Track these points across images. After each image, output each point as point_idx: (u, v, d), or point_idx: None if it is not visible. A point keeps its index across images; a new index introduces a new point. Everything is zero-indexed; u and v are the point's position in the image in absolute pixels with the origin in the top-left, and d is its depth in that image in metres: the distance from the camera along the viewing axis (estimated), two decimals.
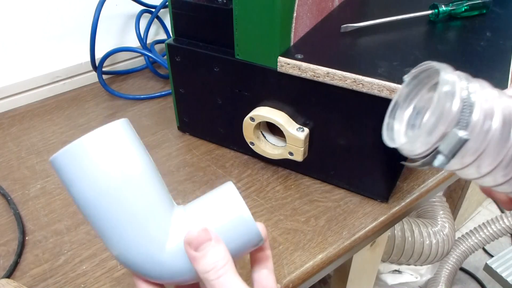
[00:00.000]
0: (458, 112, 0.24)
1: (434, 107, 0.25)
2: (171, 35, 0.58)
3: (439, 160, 0.26)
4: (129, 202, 0.28)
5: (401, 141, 0.29)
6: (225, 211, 0.30)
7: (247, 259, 0.46)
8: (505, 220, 1.27)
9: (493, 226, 1.27)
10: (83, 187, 0.28)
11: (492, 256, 1.50)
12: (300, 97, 0.49)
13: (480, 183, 0.28)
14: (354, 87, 0.44)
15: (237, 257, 0.30)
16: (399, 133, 0.30)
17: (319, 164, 0.54)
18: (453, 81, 0.25)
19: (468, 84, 0.25)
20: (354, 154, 0.50)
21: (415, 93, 0.31)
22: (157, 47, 0.85)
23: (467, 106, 0.24)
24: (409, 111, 0.31)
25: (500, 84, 0.42)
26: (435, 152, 0.26)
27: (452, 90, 0.25)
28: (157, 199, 0.29)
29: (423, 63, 0.28)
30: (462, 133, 0.24)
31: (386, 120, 0.30)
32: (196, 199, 0.32)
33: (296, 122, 0.51)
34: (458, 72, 0.27)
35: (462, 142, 0.24)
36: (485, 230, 1.27)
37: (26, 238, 0.49)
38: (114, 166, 0.28)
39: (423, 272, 1.36)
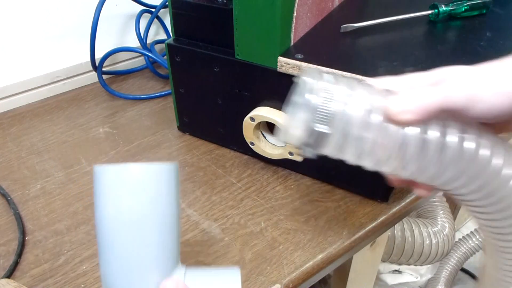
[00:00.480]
0: (316, 109, 0.27)
1: (296, 106, 0.28)
2: (171, 35, 0.58)
3: (308, 151, 0.29)
4: (137, 242, 0.28)
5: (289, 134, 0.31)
6: None
7: (247, 258, 0.46)
8: None
9: None
10: (105, 207, 0.28)
11: None
12: None
13: (364, 165, 0.30)
14: None
15: None
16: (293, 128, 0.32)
17: (319, 164, 0.54)
18: (311, 82, 0.28)
19: (331, 85, 0.28)
20: None
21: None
22: (157, 47, 0.85)
23: (326, 103, 0.27)
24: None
25: None
26: (305, 144, 0.29)
27: (311, 89, 0.28)
28: (165, 254, 0.29)
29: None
30: (321, 127, 0.27)
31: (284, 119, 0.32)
32: (199, 269, 0.32)
33: None
34: (325, 75, 0.29)
35: (323, 136, 0.28)
36: None
37: (26, 238, 0.49)
38: (142, 203, 0.28)
39: (423, 272, 1.36)
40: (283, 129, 0.30)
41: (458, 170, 0.28)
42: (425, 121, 0.27)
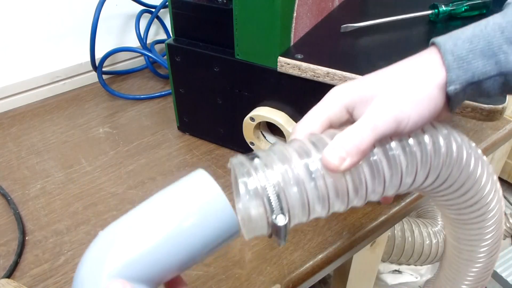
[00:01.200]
0: (265, 203, 0.27)
1: (243, 214, 0.27)
2: (171, 35, 0.58)
3: (281, 243, 0.28)
4: (161, 249, 0.27)
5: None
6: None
7: (247, 258, 0.46)
8: (507, 223, 1.26)
9: None
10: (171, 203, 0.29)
11: None
12: (300, 97, 0.49)
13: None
14: None
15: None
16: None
17: None
18: (247, 180, 0.27)
19: (264, 173, 0.27)
20: None
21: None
22: (157, 47, 0.85)
23: (272, 196, 0.26)
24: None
25: None
26: (273, 238, 0.28)
27: (252, 192, 0.27)
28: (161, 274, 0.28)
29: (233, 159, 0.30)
30: (280, 221, 0.26)
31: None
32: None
33: (296, 122, 0.51)
34: (255, 161, 0.28)
35: (284, 227, 0.27)
36: None
37: (26, 238, 0.49)
38: (200, 226, 0.27)
39: (423, 272, 1.36)
40: (246, 232, 0.29)
41: (424, 171, 0.29)
42: (365, 156, 0.28)
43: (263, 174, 0.27)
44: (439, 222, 1.20)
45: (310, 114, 0.32)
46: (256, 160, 0.28)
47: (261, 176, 0.27)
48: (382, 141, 0.28)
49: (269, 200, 0.27)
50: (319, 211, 0.29)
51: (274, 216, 0.27)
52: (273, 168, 0.28)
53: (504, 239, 1.23)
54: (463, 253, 0.34)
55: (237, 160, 0.29)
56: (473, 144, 0.31)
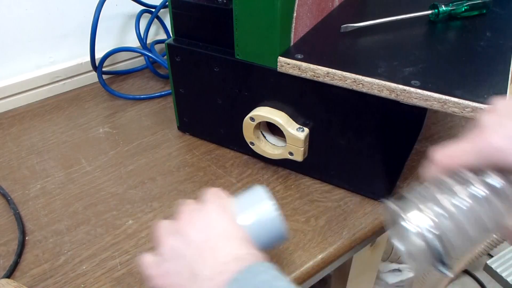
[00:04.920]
0: (431, 255, 0.27)
1: (409, 258, 0.28)
2: (171, 35, 0.58)
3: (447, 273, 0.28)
4: None
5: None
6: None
7: None
8: None
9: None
10: None
11: (492, 256, 1.50)
12: (300, 97, 0.49)
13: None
14: (354, 87, 0.44)
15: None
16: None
17: (319, 164, 0.54)
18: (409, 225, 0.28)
19: (430, 215, 0.27)
20: (354, 154, 0.50)
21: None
22: (157, 47, 0.85)
23: (437, 243, 0.27)
24: None
25: (500, 84, 0.42)
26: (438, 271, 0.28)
27: (417, 245, 0.27)
28: None
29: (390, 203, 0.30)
30: (445, 271, 0.27)
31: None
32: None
33: (296, 122, 0.51)
34: (417, 200, 0.29)
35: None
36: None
37: (26, 238, 0.49)
38: None
39: None
40: (414, 272, 0.30)
41: None
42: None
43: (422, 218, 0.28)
44: None
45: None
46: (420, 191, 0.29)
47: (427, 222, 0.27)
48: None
49: (433, 249, 0.27)
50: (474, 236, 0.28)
51: (439, 266, 0.27)
52: (427, 212, 0.28)
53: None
54: None
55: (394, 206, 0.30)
56: None
